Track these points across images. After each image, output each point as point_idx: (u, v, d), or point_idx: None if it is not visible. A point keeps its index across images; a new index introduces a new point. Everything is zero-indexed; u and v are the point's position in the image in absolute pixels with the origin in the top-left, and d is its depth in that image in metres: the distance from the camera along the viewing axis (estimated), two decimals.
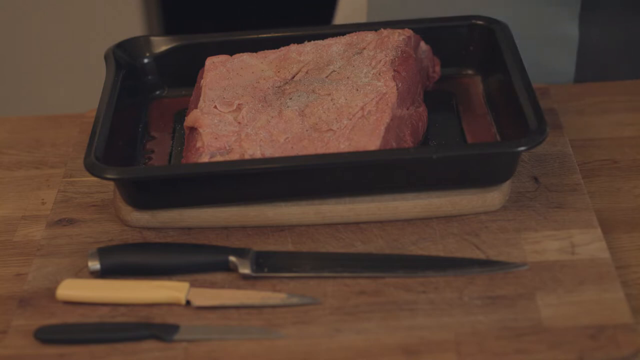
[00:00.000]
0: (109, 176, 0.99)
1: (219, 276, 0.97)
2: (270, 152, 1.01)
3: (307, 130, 1.03)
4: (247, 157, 1.00)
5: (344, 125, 1.02)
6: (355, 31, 1.14)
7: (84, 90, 1.97)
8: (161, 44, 1.18)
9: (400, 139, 1.03)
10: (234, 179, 1.00)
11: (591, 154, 1.12)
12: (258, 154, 1.00)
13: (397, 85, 1.05)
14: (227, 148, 1.02)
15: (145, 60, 1.17)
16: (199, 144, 1.03)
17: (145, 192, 1.01)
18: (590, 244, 0.97)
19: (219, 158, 1.01)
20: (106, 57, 1.15)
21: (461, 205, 1.01)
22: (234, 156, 1.01)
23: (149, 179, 1.00)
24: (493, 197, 1.01)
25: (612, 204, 1.05)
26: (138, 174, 1.01)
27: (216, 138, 1.02)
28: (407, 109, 1.06)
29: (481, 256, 0.97)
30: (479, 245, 0.98)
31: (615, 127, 1.17)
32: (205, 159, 1.01)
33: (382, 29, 1.13)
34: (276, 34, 1.17)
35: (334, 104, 1.04)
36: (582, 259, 0.96)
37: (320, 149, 1.01)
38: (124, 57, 1.15)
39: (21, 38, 2.51)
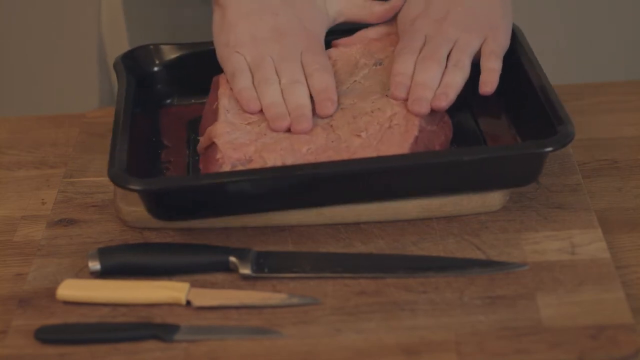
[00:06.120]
0: (134, 187, 0.96)
1: (219, 276, 0.97)
2: (291, 161, 0.99)
3: (332, 142, 1.01)
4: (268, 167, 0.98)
5: (370, 133, 1.01)
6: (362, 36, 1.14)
7: (84, 90, 1.97)
8: (171, 52, 1.16)
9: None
10: (264, 187, 0.97)
11: (591, 154, 1.12)
12: (279, 164, 0.99)
13: None
14: (247, 158, 1.00)
15: (155, 69, 1.16)
16: (218, 156, 1.00)
17: (174, 204, 0.99)
18: (590, 244, 0.97)
19: (240, 168, 0.99)
20: (115, 66, 1.14)
21: (461, 205, 1.01)
22: (255, 166, 0.99)
23: (181, 189, 0.98)
24: (493, 197, 1.01)
25: (612, 204, 1.05)
26: (171, 184, 0.99)
27: (234, 149, 1.00)
28: (437, 125, 1.04)
29: (481, 256, 0.97)
30: (479, 246, 0.98)
31: (615, 127, 1.17)
32: (226, 169, 0.99)
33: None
34: None
35: (359, 112, 1.03)
36: (582, 259, 0.96)
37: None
38: (133, 66, 1.14)
39: (22, 38, 2.51)
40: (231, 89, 1.08)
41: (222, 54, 1.10)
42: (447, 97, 1.03)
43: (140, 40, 1.28)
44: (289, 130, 1.02)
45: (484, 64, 1.06)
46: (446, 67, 1.05)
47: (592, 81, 1.32)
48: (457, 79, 1.04)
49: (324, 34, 1.13)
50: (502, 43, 1.08)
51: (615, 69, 2.45)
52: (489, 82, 1.04)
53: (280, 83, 1.06)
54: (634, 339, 0.87)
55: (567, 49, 2.43)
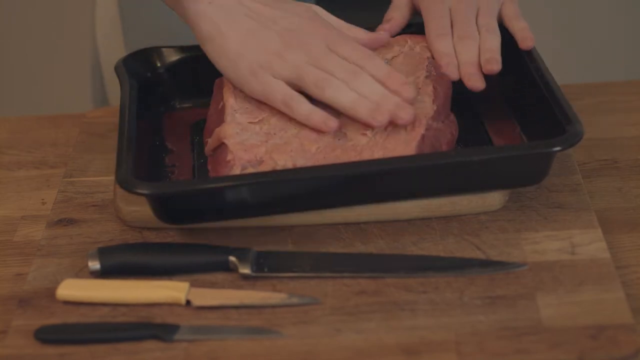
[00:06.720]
0: (144, 191, 0.95)
1: (219, 276, 0.97)
2: (302, 162, 0.98)
3: (339, 140, 1.01)
4: (278, 168, 0.98)
5: (376, 132, 1.00)
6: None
7: (84, 90, 1.97)
8: (172, 55, 1.16)
9: (436, 150, 1.02)
10: (277, 189, 0.97)
11: (591, 154, 1.12)
12: (289, 165, 0.98)
13: (435, 100, 1.03)
14: (258, 159, 0.99)
15: (157, 72, 1.15)
16: (229, 157, 0.99)
17: (186, 207, 0.98)
18: (590, 244, 0.97)
19: (250, 170, 0.99)
20: (117, 69, 1.13)
21: (461, 205, 1.01)
22: (266, 168, 0.98)
23: (196, 192, 0.97)
24: (493, 197, 1.01)
25: (612, 204, 1.05)
26: (184, 188, 0.98)
27: (245, 150, 0.99)
28: (443, 122, 1.04)
29: (481, 256, 0.97)
30: (479, 246, 0.98)
31: (616, 127, 1.17)
32: (237, 171, 0.98)
33: (407, 39, 1.12)
34: None
35: None
36: (582, 259, 0.96)
37: (354, 159, 0.98)
38: (135, 69, 1.13)
39: (22, 38, 2.51)
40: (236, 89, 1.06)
41: (254, 86, 1.03)
42: (498, 60, 1.08)
43: (135, 42, 1.28)
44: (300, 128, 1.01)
45: (515, 25, 1.12)
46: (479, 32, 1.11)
47: (592, 81, 1.32)
48: (495, 42, 1.10)
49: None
50: (517, 4, 1.14)
51: (615, 69, 2.45)
52: (527, 38, 1.10)
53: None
54: (634, 339, 0.87)
55: (567, 49, 2.43)
